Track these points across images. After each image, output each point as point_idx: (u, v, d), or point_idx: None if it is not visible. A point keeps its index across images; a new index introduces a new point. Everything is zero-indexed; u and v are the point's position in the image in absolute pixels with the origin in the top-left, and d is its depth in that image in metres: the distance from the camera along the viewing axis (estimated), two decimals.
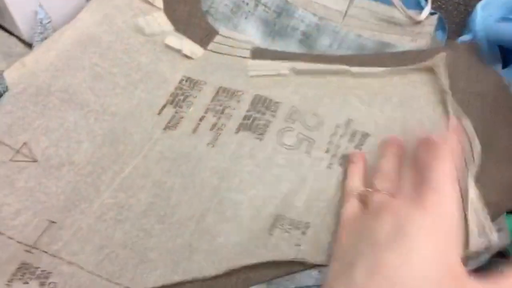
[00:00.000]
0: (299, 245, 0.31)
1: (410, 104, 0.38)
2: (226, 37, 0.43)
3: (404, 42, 0.45)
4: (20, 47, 0.43)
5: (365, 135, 0.37)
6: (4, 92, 0.39)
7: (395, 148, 0.34)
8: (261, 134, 0.37)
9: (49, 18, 0.41)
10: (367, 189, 0.31)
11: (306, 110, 0.38)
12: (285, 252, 0.31)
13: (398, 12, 0.46)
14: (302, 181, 0.35)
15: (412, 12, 0.45)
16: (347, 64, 0.41)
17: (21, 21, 0.41)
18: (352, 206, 0.31)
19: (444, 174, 0.28)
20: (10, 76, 0.40)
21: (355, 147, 0.36)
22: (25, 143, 0.36)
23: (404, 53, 0.43)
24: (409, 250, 0.25)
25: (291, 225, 0.32)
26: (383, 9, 0.48)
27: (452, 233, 0.27)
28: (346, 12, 0.47)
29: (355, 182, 0.33)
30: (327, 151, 0.36)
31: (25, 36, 0.42)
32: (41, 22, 0.41)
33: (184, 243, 0.32)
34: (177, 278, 0.31)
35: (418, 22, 0.46)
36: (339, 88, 0.39)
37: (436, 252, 0.25)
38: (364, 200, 0.31)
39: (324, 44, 0.45)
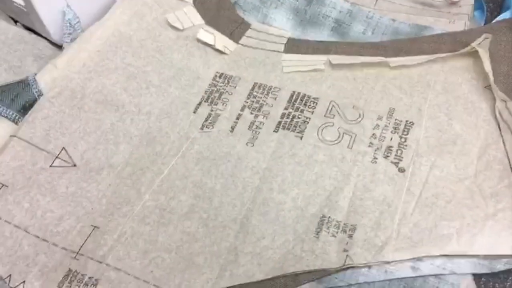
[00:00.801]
0: (347, 250, 0.31)
1: (453, 91, 0.37)
2: (258, 30, 0.42)
3: (440, 25, 0.43)
4: (50, 49, 0.42)
5: (410, 124, 0.36)
6: (39, 96, 0.39)
7: None
8: (300, 131, 0.36)
9: (77, 18, 0.41)
10: None
11: (345, 104, 0.37)
12: (333, 258, 0.31)
13: None
14: (345, 178, 0.34)
15: None
16: (383, 52, 0.39)
17: (49, 22, 0.41)
18: None
19: None
20: (42, 79, 0.39)
21: (400, 138, 0.35)
22: (63, 148, 0.36)
23: (442, 35, 0.41)
24: None
25: (338, 227, 0.32)
26: None
27: None
28: None
29: None
30: (370, 145, 0.35)
31: (54, 37, 0.42)
32: (69, 23, 0.40)
33: (229, 246, 0.32)
34: (224, 283, 0.31)
35: (455, 3, 0.44)
36: (377, 79, 0.38)
37: None
38: None
39: (357, 30, 0.43)
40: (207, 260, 0.32)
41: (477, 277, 0.30)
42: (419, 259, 0.31)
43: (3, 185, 0.34)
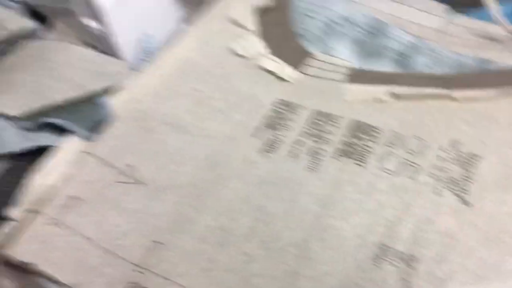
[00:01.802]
0: (409, 282, 0.30)
1: None
2: (320, 60, 0.43)
3: (505, 59, 0.43)
4: (117, 70, 0.45)
5: (474, 156, 0.35)
6: (110, 116, 0.41)
7: None
8: (361, 160, 0.37)
9: (154, 46, 0.43)
10: None
11: (408, 134, 0.37)
12: None
13: (497, 29, 0.44)
14: (407, 208, 0.34)
15: None
16: (448, 85, 0.39)
17: (125, 48, 0.44)
18: None
19: None
20: (114, 100, 0.42)
21: (465, 170, 0.35)
22: (131, 166, 0.38)
23: (508, 70, 0.41)
24: None
25: (399, 258, 0.31)
26: (481, 25, 0.46)
27: None
28: (442, 30, 0.45)
29: None
30: (433, 176, 0.35)
31: (128, 62, 0.44)
32: (145, 51, 0.43)
33: (289, 270, 0.32)
34: None
35: None
36: (441, 111, 0.38)
37: None
38: None
39: (421, 63, 0.44)
40: (266, 282, 0.32)
41: None
42: None
43: (75, 198, 0.36)
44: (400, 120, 0.38)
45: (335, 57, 0.44)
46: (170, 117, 0.40)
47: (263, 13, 0.46)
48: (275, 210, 0.35)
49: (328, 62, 0.43)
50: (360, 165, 0.36)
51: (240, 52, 0.44)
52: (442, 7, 0.46)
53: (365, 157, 0.37)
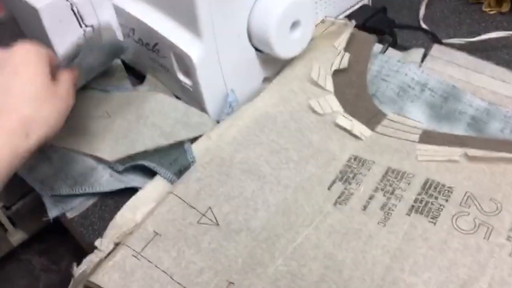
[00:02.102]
0: None
1: None
2: (394, 121, 0.45)
3: None
4: (199, 119, 0.48)
5: None
6: (193, 162, 0.44)
7: None
8: (434, 217, 0.37)
9: (237, 101, 0.47)
10: None
11: (483, 196, 0.38)
12: None
13: None
14: (481, 268, 0.33)
15: None
16: None
17: (211, 102, 0.48)
18: None
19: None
20: (198, 148, 0.45)
21: None
22: (210, 208, 0.41)
23: None
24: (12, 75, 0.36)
25: None
26: None
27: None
28: None
29: None
30: (508, 238, 0.35)
31: (212, 114, 0.48)
32: (230, 105, 0.47)
33: None
34: None
35: None
36: None
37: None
38: None
39: (495, 128, 0.44)
40: None
41: None
42: None
43: (157, 233, 0.39)
44: (475, 181, 0.39)
45: (408, 118, 0.45)
46: (247, 164, 0.43)
47: (341, 74, 0.49)
48: (345, 260, 0.36)
49: (401, 123, 0.45)
50: (432, 222, 0.37)
51: (317, 109, 0.46)
52: None
53: (438, 215, 0.37)
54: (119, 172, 0.46)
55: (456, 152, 0.41)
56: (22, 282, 1.14)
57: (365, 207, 0.39)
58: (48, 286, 1.13)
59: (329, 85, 0.48)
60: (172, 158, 0.45)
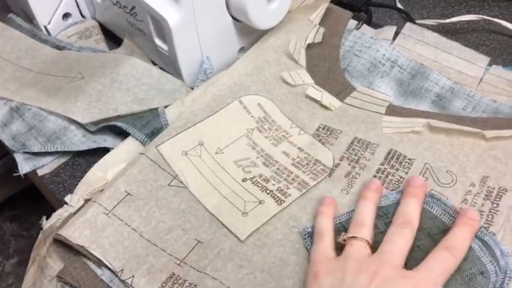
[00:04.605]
0: None
1: None
2: (363, 93, 0.47)
3: None
4: (173, 85, 0.49)
5: (503, 191, 0.37)
6: (165, 125, 0.45)
7: (374, 194, 0.37)
8: (393, 189, 0.39)
9: (212, 68, 0.48)
10: (343, 233, 0.35)
11: (440, 168, 0.40)
12: None
13: None
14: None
15: None
16: (482, 126, 0.41)
17: (186, 68, 0.48)
18: (324, 248, 0.35)
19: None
20: (171, 112, 0.46)
21: (492, 203, 0.36)
22: (180, 171, 0.42)
23: None
24: None
25: None
26: None
27: None
28: (481, 79, 0.48)
29: (327, 221, 0.36)
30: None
31: (187, 81, 0.49)
32: (205, 72, 0.47)
33: None
34: None
35: None
36: (473, 148, 0.40)
37: None
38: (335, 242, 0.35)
39: (458, 106, 0.46)
40: (296, 284, 0.34)
41: None
42: None
43: (128, 193, 0.40)
44: (434, 152, 0.41)
45: (377, 91, 0.47)
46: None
47: (315, 47, 0.50)
48: (308, 223, 0.38)
49: (369, 95, 0.46)
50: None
51: (288, 80, 0.47)
52: (482, 57, 0.49)
53: (397, 188, 0.39)
54: (92, 132, 0.47)
55: (419, 122, 0.42)
56: None
57: (330, 174, 0.41)
58: (18, 251, 1.13)
59: (302, 59, 0.49)
60: (145, 121, 0.46)
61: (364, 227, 0.35)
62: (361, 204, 0.37)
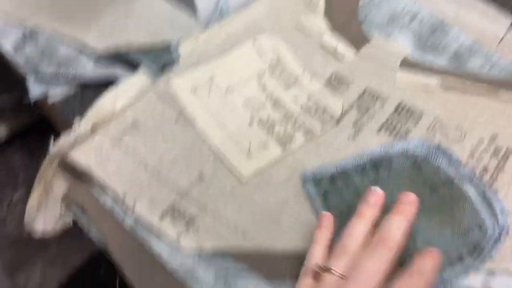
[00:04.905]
0: None
1: None
2: (379, 44, 0.46)
3: None
4: (186, 22, 0.48)
5: (509, 150, 0.37)
6: (177, 60, 0.45)
7: (371, 211, 0.32)
8: (400, 139, 0.39)
9: (228, 8, 0.47)
10: (323, 265, 0.30)
11: (450, 123, 0.39)
12: None
13: None
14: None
15: None
16: (496, 86, 0.41)
17: (202, 5, 0.48)
18: (305, 284, 0.31)
19: None
20: (184, 47, 0.46)
21: (498, 162, 0.36)
22: (189, 107, 0.42)
23: None
24: None
25: None
26: None
27: None
28: (502, 38, 0.47)
29: (317, 252, 0.32)
30: (467, 164, 0.37)
31: (202, 19, 0.48)
32: (220, 10, 0.47)
33: (315, 220, 0.35)
34: (304, 249, 0.34)
35: None
36: (486, 107, 0.40)
37: None
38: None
39: (474, 65, 0.45)
40: (294, 226, 0.35)
41: None
42: (492, 274, 0.31)
43: (135, 125, 0.40)
44: (446, 108, 0.40)
45: (393, 43, 0.46)
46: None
47: None
48: (313, 166, 0.38)
49: (385, 47, 0.45)
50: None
51: (305, 28, 0.46)
52: (505, 16, 0.47)
53: (404, 139, 0.39)
54: (103, 62, 0.47)
55: (433, 80, 0.42)
56: (1, 177, 1.17)
57: (338, 122, 0.41)
58: (26, 182, 1.15)
59: (321, 6, 0.48)
60: (157, 54, 0.45)
61: (345, 255, 0.30)
62: (354, 222, 0.32)
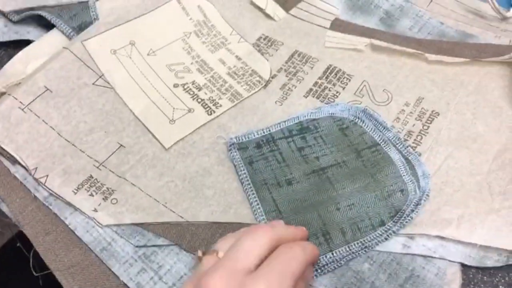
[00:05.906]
0: None
1: (484, 93, 0.38)
2: (309, 4, 0.44)
3: (487, 37, 0.44)
4: None
5: (435, 114, 0.37)
6: (95, 19, 0.41)
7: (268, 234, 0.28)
8: (328, 103, 0.38)
9: None
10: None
11: (377, 86, 0.39)
12: None
13: (485, 6, 0.45)
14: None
15: (501, 8, 0.44)
16: (425, 48, 0.40)
17: None
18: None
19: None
20: (102, 5, 0.42)
21: (423, 125, 0.36)
22: (107, 70, 0.39)
23: (485, 45, 0.42)
24: None
25: None
26: (470, 0, 0.47)
27: None
28: None
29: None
30: (391, 128, 0.36)
31: None
32: None
33: (239, 188, 0.34)
34: (227, 218, 0.33)
35: (506, 19, 0.45)
36: (413, 70, 0.39)
37: None
38: None
39: (405, 25, 0.45)
40: (216, 194, 0.34)
41: (467, 268, 0.31)
42: (412, 237, 0.32)
43: (47, 89, 0.37)
44: (373, 71, 0.39)
45: (324, 2, 0.44)
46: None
47: None
48: (237, 131, 0.37)
49: (316, 7, 0.44)
50: (326, 107, 0.38)
51: None
52: None
53: (332, 101, 0.38)
54: (15, 23, 0.43)
55: (362, 41, 0.41)
56: None
57: (265, 86, 0.39)
58: None
59: None
60: (73, 13, 0.42)
61: (232, 237, 0.28)
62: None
